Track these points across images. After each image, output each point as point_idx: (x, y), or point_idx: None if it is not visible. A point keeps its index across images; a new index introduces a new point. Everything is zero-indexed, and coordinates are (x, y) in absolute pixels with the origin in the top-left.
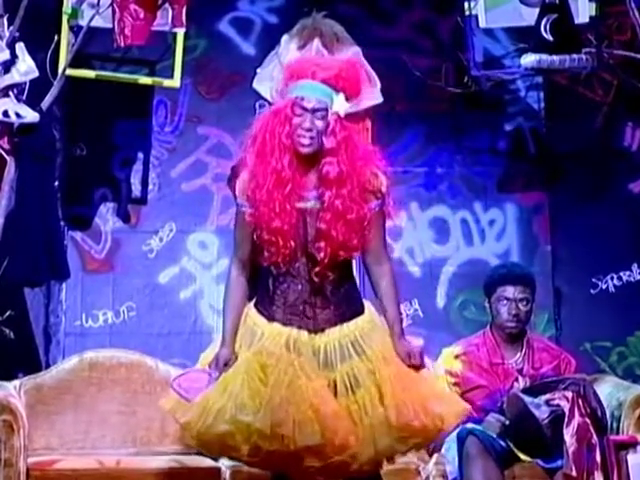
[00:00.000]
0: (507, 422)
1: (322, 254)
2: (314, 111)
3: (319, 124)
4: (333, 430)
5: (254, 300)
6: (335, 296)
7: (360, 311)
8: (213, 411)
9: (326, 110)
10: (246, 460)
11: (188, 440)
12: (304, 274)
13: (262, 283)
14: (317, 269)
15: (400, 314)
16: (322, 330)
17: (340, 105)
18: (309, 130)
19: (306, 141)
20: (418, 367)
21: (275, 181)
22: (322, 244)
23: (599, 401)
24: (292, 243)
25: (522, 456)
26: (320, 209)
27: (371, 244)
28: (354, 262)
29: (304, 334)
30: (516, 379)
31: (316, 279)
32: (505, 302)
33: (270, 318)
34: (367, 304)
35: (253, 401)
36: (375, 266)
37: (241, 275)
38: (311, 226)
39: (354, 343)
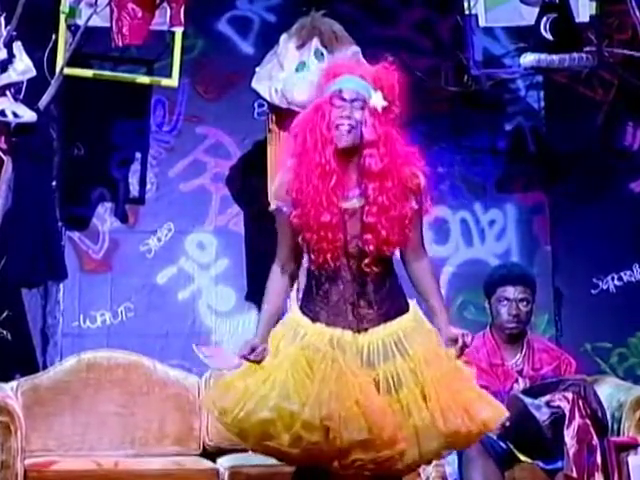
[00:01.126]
0: (507, 423)
1: (371, 247)
2: (352, 101)
3: (357, 115)
4: (380, 425)
5: (299, 302)
6: (378, 295)
7: (405, 309)
8: (255, 398)
9: (364, 101)
10: (285, 451)
11: (224, 427)
12: (345, 274)
13: (306, 285)
14: (367, 260)
15: (444, 305)
16: (365, 330)
17: (378, 101)
18: (348, 118)
19: (345, 129)
20: (463, 349)
21: (320, 175)
22: (369, 237)
23: (600, 402)
24: (341, 236)
25: (522, 457)
26: (364, 204)
27: (411, 242)
28: None
29: (348, 334)
30: (516, 380)
31: (367, 269)
32: (505, 302)
33: (314, 319)
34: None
35: (298, 393)
36: (415, 262)
37: (281, 273)
38: (352, 225)
39: (397, 343)
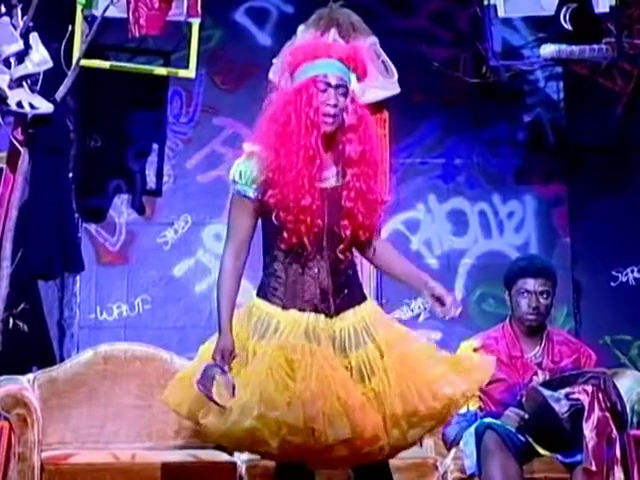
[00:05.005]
0: (526, 416)
1: (347, 232)
2: (337, 87)
3: (342, 100)
4: (362, 424)
5: (256, 290)
6: (348, 279)
7: (365, 296)
8: (237, 407)
9: (346, 87)
10: (275, 453)
11: (208, 438)
12: (320, 257)
13: (270, 272)
14: (342, 246)
15: None
16: (337, 314)
17: (354, 85)
18: (335, 106)
19: (330, 119)
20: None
21: (303, 159)
22: (346, 222)
23: (619, 395)
24: (319, 222)
25: (541, 451)
26: (341, 187)
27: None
28: None
29: (321, 318)
30: (535, 373)
31: (342, 256)
32: (525, 295)
33: (285, 306)
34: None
35: (281, 395)
36: (377, 245)
37: (237, 262)
38: (330, 207)
39: (366, 328)
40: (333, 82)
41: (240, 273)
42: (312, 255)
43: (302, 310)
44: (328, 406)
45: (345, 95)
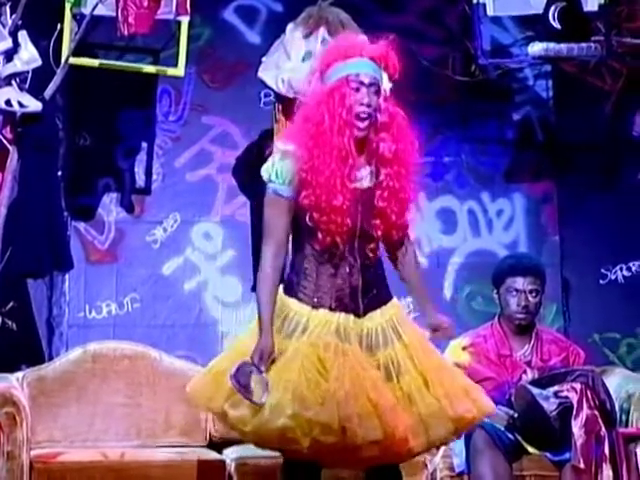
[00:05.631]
0: (515, 414)
1: (379, 232)
2: (370, 85)
3: (374, 99)
4: (393, 425)
5: (283, 288)
6: (376, 279)
7: (390, 294)
8: (270, 404)
9: (379, 86)
10: (304, 452)
11: (239, 434)
12: (352, 257)
13: (300, 270)
14: (372, 245)
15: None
16: (365, 314)
17: (386, 83)
18: (368, 105)
19: (364, 117)
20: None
21: (336, 160)
22: (378, 222)
23: (608, 393)
24: (349, 221)
25: (530, 449)
26: (374, 187)
27: None
28: None
29: (351, 318)
30: (524, 371)
31: (371, 254)
32: (514, 293)
33: (315, 305)
34: None
35: (312, 393)
36: (403, 247)
37: (277, 262)
38: (363, 207)
39: (393, 328)
40: (366, 81)
41: (280, 273)
42: (344, 255)
43: (332, 310)
44: (359, 406)
45: (377, 94)
